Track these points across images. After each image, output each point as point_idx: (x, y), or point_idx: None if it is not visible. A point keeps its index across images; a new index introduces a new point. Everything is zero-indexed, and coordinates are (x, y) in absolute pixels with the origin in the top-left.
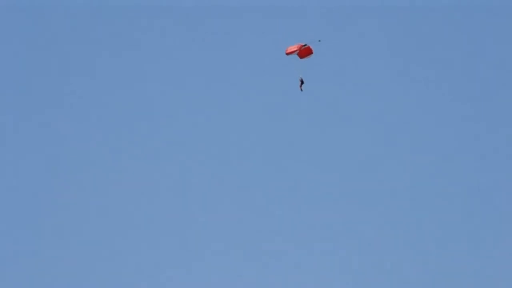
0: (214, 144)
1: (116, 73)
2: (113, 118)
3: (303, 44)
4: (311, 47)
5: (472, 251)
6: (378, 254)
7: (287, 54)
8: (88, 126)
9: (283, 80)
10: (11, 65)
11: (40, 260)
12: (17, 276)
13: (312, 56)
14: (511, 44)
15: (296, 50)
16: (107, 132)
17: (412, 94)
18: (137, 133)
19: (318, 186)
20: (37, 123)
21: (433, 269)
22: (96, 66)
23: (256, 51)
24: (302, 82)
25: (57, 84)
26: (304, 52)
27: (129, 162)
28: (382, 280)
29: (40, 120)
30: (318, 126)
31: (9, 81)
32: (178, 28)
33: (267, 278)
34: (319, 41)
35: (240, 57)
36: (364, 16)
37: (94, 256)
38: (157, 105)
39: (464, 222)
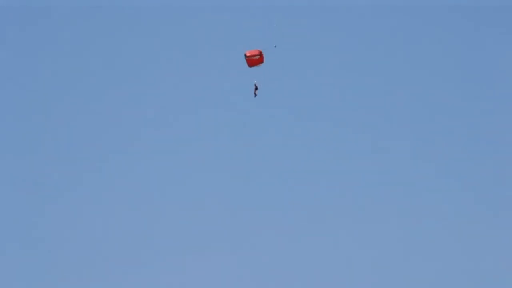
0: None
1: (116, 73)
2: (113, 118)
3: (260, 50)
4: (263, 56)
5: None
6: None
7: (248, 57)
8: (87, 127)
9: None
10: (9, 65)
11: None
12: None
13: (261, 65)
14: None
15: (256, 55)
16: (105, 132)
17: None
18: (135, 132)
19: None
20: (37, 124)
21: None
22: (95, 65)
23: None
24: (256, 88)
25: (57, 85)
26: (255, 61)
27: (127, 162)
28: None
29: (41, 121)
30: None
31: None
32: (178, 28)
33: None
34: (275, 46)
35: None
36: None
37: (92, 258)
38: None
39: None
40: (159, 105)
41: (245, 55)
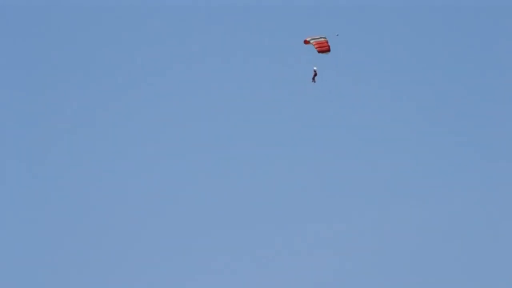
0: (216, 144)
1: (117, 74)
2: (113, 118)
3: (324, 37)
4: (328, 44)
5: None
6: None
7: (306, 42)
8: (87, 128)
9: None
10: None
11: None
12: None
13: (328, 54)
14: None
15: (318, 41)
16: (105, 133)
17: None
18: (134, 133)
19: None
20: (38, 125)
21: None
22: (96, 65)
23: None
24: (315, 74)
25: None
26: (323, 47)
27: (128, 164)
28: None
29: (41, 121)
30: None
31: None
32: (178, 28)
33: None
34: (337, 35)
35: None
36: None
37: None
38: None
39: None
40: (161, 106)
41: (310, 42)
